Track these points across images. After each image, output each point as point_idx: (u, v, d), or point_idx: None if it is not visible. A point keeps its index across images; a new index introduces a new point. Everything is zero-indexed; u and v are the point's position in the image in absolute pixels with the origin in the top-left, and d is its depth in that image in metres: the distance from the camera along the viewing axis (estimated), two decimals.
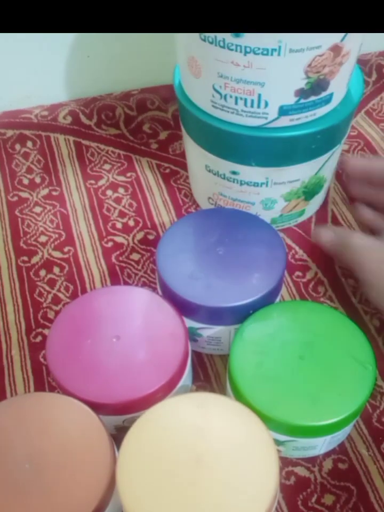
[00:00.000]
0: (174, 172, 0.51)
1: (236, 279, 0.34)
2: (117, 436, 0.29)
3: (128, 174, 0.51)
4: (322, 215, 0.47)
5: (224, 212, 0.39)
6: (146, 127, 0.54)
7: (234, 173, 0.39)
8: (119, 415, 0.31)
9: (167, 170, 0.51)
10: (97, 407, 0.31)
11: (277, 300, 0.36)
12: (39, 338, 0.39)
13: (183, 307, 0.33)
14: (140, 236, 0.46)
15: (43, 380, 0.37)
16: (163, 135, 0.54)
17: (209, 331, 0.35)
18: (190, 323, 0.34)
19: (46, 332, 0.40)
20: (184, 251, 0.35)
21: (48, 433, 0.28)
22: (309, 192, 0.42)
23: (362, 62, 0.61)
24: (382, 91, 0.58)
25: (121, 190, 0.49)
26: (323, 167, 0.41)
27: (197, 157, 0.42)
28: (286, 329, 0.32)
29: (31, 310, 0.41)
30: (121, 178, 0.50)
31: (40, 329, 0.40)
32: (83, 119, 0.55)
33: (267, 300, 0.34)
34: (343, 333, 0.31)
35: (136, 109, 0.56)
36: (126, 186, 0.50)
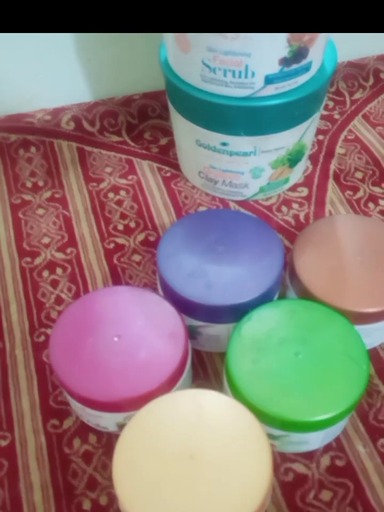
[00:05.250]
0: (174, 175, 0.51)
1: (235, 279, 0.34)
2: (119, 432, 0.30)
3: (130, 177, 0.51)
4: (319, 216, 0.48)
5: (224, 213, 0.40)
6: (147, 135, 0.55)
7: (224, 144, 0.42)
8: (120, 413, 0.32)
9: (168, 174, 0.52)
10: (98, 405, 0.31)
11: (275, 298, 0.37)
12: (42, 338, 0.40)
13: (183, 306, 0.34)
14: (141, 237, 0.47)
15: (46, 378, 0.38)
16: (164, 141, 0.55)
17: (208, 329, 0.36)
18: (189, 321, 0.35)
19: (49, 331, 0.40)
20: (184, 251, 0.36)
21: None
22: (293, 159, 0.46)
23: (360, 66, 0.61)
24: (379, 95, 0.59)
25: (122, 193, 0.50)
26: (305, 134, 0.44)
27: (187, 132, 0.45)
28: (282, 326, 0.32)
29: (34, 310, 0.42)
30: (123, 181, 0.51)
31: (43, 329, 0.41)
32: (86, 125, 0.56)
33: (265, 299, 0.34)
34: (339, 331, 0.32)
35: (137, 117, 0.57)
36: (127, 189, 0.50)
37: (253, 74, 0.37)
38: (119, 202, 0.49)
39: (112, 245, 0.46)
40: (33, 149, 0.54)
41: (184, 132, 0.45)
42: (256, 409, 0.28)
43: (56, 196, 0.50)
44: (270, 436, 0.30)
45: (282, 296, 0.39)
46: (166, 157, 0.53)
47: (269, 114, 0.40)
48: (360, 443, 0.35)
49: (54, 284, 0.43)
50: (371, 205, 0.49)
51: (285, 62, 0.37)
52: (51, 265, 0.45)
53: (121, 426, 0.32)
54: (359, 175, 0.51)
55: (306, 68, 0.39)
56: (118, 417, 0.32)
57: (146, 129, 0.56)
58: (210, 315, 0.35)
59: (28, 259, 0.45)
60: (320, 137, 0.55)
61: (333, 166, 0.52)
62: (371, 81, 0.60)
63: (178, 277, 0.34)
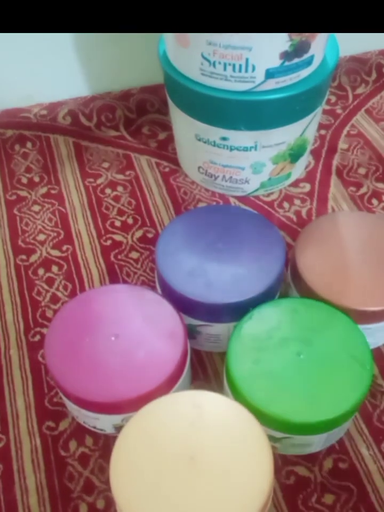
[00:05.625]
0: (173, 171, 0.51)
1: (235, 277, 0.34)
2: (116, 434, 0.29)
3: (127, 172, 0.51)
4: (322, 212, 0.47)
5: (224, 209, 0.39)
6: (145, 129, 0.54)
7: (224, 139, 0.42)
8: (117, 414, 0.31)
9: (167, 169, 0.51)
10: (95, 406, 0.31)
11: (276, 297, 0.36)
12: (37, 338, 0.39)
13: (182, 305, 0.33)
14: (138, 234, 0.46)
15: (41, 378, 0.37)
16: (162, 136, 0.54)
17: (208, 328, 0.35)
18: (189, 321, 0.34)
19: (44, 331, 0.40)
20: (183, 248, 0.35)
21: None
22: (294, 155, 0.45)
23: (362, 61, 0.60)
24: (381, 90, 0.58)
25: (120, 188, 0.49)
26: (306, 129, 0.43)
27: (186, 127, 0.44)
28: (284, 326, 0.31)
29: (29, 309, 0.41)
30: (120, 176, 0.50)
31: (38, 328, 0.40)
32: (83, 120, 0.55)
33: (266, 297, 0.34)
34: (342, 331, 0.31)
35: (135, 111, 0.56)
36: (125, 185, 0.50)
37: (254, 68, 0.37)
38: (116, 198, 0.49)
39: (109, 242, 0.45)
40: (29, 144, 0.53)
41: (183, 126, 0.45)
42: (257, 411, 0.28)
43: (52, 192, 0.49)
44: (272, 438, 0.29)
45: (284, 295, 0.38)
46: (165, 152, 0.52)
47: (269, 109, 0.40)
48: (364, 445, 0.34)
49: (50, 282, 0.43)
50: (374, 201, 0.48)
51: (286, 56, 0.36)
52: (47, 263, 0.44)
53: (118, 428, 0.31)
54: (362, 170, 0.50)
55: (308, 62, 0.38)
56: (116, 418, 0.31)
57: (145, 123, 0.55)
58: (210, 314, 0.34)
59: (23, 256, 0.44)
60: (323, 132, 0.54)
61: (335, 162, 0.51)
62: (374, 75, 0.60)
63: (178, 275, 0.34)
